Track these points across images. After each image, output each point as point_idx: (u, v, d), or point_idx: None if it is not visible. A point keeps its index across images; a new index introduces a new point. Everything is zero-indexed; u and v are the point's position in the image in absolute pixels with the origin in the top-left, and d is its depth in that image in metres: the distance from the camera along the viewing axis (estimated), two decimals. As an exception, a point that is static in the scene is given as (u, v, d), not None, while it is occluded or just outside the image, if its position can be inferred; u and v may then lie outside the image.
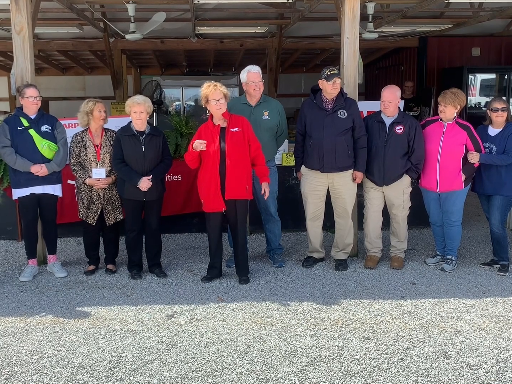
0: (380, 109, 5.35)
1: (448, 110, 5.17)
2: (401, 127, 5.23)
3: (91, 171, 5.20)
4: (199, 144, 4.80)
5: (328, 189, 5.36)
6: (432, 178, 5.31)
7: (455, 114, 5.22)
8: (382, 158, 5.26)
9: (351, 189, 5.37)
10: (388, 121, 5.29)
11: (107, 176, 5.22)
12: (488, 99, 10.96)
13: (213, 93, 4.78)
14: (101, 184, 5.20)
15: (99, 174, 5.18)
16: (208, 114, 5.00)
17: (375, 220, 5.51)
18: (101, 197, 5.26)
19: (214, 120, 4.93)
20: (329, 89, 5.11)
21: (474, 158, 5.16)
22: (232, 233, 5.19)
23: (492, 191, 5.26)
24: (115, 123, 5.62)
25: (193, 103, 13.86)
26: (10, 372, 3.59)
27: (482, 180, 5.30)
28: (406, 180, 5.36)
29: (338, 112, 5.16)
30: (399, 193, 5.38)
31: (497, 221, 5.28)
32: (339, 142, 5.12)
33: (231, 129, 4.89)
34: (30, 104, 5.14)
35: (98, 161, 5.21)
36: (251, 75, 5.27)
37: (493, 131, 5.27)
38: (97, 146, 5.23)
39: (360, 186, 5.52)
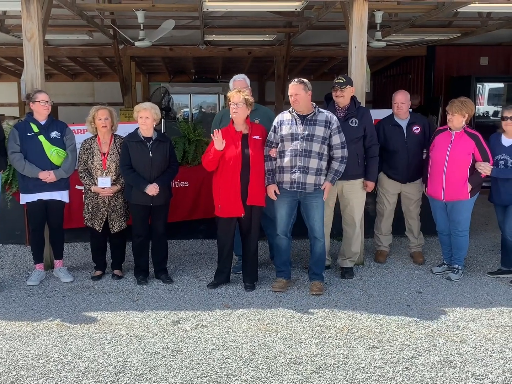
0: (391, 113, 5.70)
1: (456, 119, 5.17)
2: (418, 127, 5.63)
3: (96, 179, 5.23)
4: (219, 142, 4.82)
5: (337, 197, 5.39)
6: (438, 186, 5.30)
7: (463, 123, 5.21)
8: (406, 158, 5.58)
9: (359, 198, 5.39)
10: (403, 123, 5.62)
11: (112, 184, 5.25)
12: (496, 109, 10.95)
13: (234, 97, 4.86)
14: (106, 193, 5.23)
15: (104, 183, 5.21)
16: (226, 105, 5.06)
17: (390, 216, 5.92)
18: (106, 204, 5.29)
19: (235, 126, 4.97)
20: (333, 96, 5.24)
21: (486, 170, 5.12)
22: (244, 240, 5.18)
23: (509, 201, 5.20)
24: (124, 129, 5.66)
25: (202, 110, 13.93)
26: (16, 376, 3.61)
27: (499, 190, 5.24)
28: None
29: (350, 121, 5.20)
30: (417, 190, 5.76)
31: None
32: (349, 151, 5.13)
33: (253, 137, 4.94)
34: (42, 109, 5.18)
35: (103, 170, 5.24)
36: (236, 83, 5.36)
37: (507, 141, 5.21)
38: (104, 154, 5.26)
39: (369, 195, 5.57)
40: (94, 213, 5.30)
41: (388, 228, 6.00)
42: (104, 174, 5.23)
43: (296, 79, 4.90)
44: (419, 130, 5.62)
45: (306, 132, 4.83)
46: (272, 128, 5.00)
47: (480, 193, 5.37)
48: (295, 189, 4.89)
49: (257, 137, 4.96)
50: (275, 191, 4.95)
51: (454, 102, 5.19)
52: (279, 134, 4.94)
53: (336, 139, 4.90)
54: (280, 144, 4.94)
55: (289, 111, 4.96)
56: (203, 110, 14.15)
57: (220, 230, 5.14)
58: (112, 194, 5.26)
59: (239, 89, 4.95)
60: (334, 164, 4.93)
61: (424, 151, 5.66)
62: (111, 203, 5.30)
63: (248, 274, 5.19)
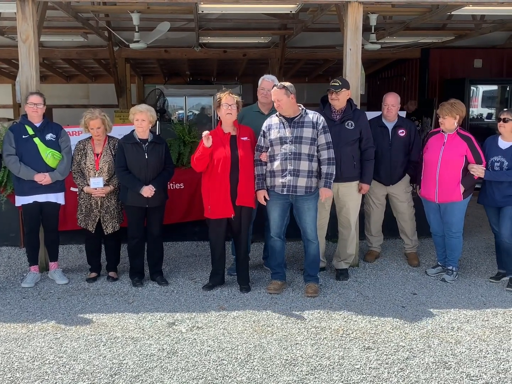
0: (380, 114, 5.73)
1: (447, 121, 5.20)
2: (403, 130, 5.65)
3: (89, 179, 5.24)
4: (206, 139, 4.81)
5: (333, 199, 5.41)
6: (431, 188, 5.32)
7: (455, 125, 5.24)
8: (388, 160, 5.62)
9: (355, 200, 5.41)
10: (390, 126, 5.66)
11: (105, 185, 5.25)
12: (490, 111, 11.02)
13: (226, 98, 4.88)
14: (99, 193, 5.23)
15: (96, 183, 5.21)
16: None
17: (378, 218, 5.96)
18: (99, 206, 5.29)
19: (223, 127, 4.98)
20: (329, 99, 5.25)
21: (479, 172, 5.13)
22: (235, 241, 5.22)
23: (503, 203, 5.14)
24: (119, 131, 5.66)
25: (196, 112, 13.92)
26: (11, 378, 3.60)
27: (492, 192, 5.18)
28: (407, 178, 5.78)
29: (346, 123, 5.22)
30: (403, 190, 5.79)
31: (508, 232, 5.16)
32: (345, 153, 5.16)
33: (241, 138, 4.96)
34: (30, 111, 5.18)
35: (96, 170, 5.24)
36: (263, 83, 5.43)
37: (503, 143, 5.17)
38: (97, 155, 5.27)
39: (364, 197, 5.60)
40: (87, 214, 5.30)
41: (378, 229, 6.03)
42: (96, 175, 5.23)
43: (278, 84, 4.90)
44: (404, 133, 5.64)
45: (294, 135, 4.85)
46: (261, 132, 5.01)
47: (473, 195, 5.40)
48: (286, 193, 4.90)
49: (245, 138, 4.98)
50: (264, 197, 4.97)
51: (444, 105, 5.22)
52: (268, 138, 4.95)
53: (322, 139, 4.87)
54: (270, 148, 4.94)
55: (277, 115, 4.97)
56: (202, 111, 14.16)
57: (211, 232, 5.15)
58: (104, 195, 5.26)
59: (230, 91, 4.96)
60: (323, 167, 4.90)
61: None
62: (104, 205, 5.30)
63: (240, 275, 5.21)
